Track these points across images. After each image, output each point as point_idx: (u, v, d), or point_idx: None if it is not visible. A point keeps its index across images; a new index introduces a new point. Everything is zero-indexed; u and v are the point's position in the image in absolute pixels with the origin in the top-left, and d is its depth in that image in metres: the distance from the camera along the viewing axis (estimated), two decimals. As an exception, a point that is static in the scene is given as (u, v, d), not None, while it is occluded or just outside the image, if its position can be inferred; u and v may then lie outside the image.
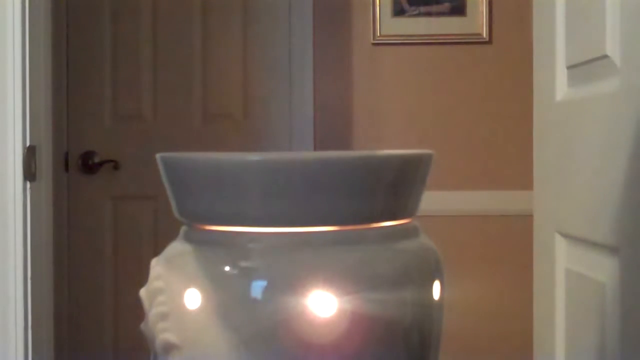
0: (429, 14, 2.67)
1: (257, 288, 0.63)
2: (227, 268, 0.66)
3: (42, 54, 1.60)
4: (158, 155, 0.73)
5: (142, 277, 0.80)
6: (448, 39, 2.68)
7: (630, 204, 0.99)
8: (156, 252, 0.78)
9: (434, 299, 0.69)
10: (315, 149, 2.66)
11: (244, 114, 2.73)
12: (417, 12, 2.67)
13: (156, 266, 0.74)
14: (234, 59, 2.73)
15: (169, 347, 0.69)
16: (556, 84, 1.27)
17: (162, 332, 0.70)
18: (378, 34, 2.68)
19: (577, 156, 1.18)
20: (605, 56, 1.07)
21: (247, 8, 2.73)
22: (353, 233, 0.65)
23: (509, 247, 2.65)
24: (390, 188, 0.67)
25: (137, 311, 0.79)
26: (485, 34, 2.67)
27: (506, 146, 2.68)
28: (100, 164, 2.73)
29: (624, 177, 1.01)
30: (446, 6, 2.66)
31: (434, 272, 0.70)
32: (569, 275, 1.23)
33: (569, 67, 1.23)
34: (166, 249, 0.75)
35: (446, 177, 2.65)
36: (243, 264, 0.65)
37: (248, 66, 2.73)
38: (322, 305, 0.60)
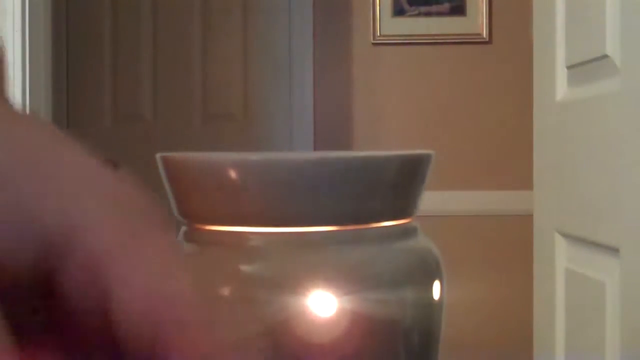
0: (429, 14, 2.67)
1: (257, 288, 0.63)
2: (227, 268, 0.66)
3: (42, 54, 1.60)
4: (158, 155, 0.73)
5: (142, 277, 0.80)
6: (448, 39, 2.68)
7: (630, 203, 0.99)
8: (156, 252, 0.78)
9: (434, 299, 0.69)
10: (315, 149, 2.66)
11: (244, 114, 2.73)
12: (417, 12, 2.67)
13: (156, 266, 0.74)
14: (234, 58, 2.73)
15: (169, 347, 0.69)
16: (556, 84, 1.27)
17: (162, 332, 0.70)
18: (378, 34, 2.68)
19: (577, 156, 1.18)
20: (605, 56, 1.07)
21: (247, 8, 2.73)
22: (353, 233, 0.65)
23: (509, 247, 2.65)
24: (390, 188, 0.67)
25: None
26: (485, 34, 2.67)
27: (506, 146, 2.67)
28: (100, 163, 2.73)
29: (624, 177, 1.01)
30: (446, 6, 2.66)
31: (434, 272, 0.70)
32: (569, 275, 1.23)
33: (569, 67, 1.23)
34: (166, 249, 0.75)
35: (446, 177, 2.64)
36: (243, 264, 0.65)
37: (248, 66, 2.73)
38: (322, 305, 0.60)
